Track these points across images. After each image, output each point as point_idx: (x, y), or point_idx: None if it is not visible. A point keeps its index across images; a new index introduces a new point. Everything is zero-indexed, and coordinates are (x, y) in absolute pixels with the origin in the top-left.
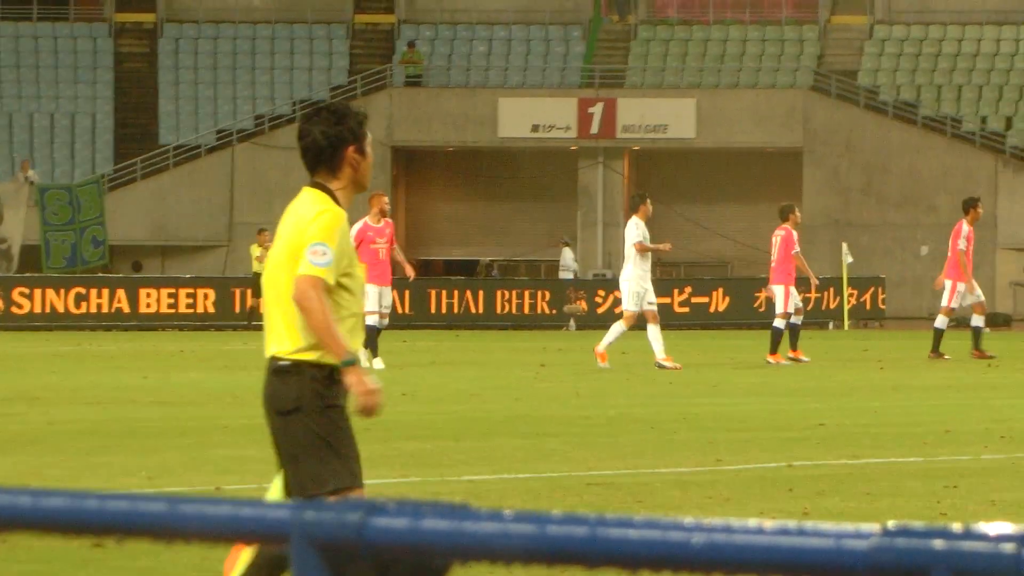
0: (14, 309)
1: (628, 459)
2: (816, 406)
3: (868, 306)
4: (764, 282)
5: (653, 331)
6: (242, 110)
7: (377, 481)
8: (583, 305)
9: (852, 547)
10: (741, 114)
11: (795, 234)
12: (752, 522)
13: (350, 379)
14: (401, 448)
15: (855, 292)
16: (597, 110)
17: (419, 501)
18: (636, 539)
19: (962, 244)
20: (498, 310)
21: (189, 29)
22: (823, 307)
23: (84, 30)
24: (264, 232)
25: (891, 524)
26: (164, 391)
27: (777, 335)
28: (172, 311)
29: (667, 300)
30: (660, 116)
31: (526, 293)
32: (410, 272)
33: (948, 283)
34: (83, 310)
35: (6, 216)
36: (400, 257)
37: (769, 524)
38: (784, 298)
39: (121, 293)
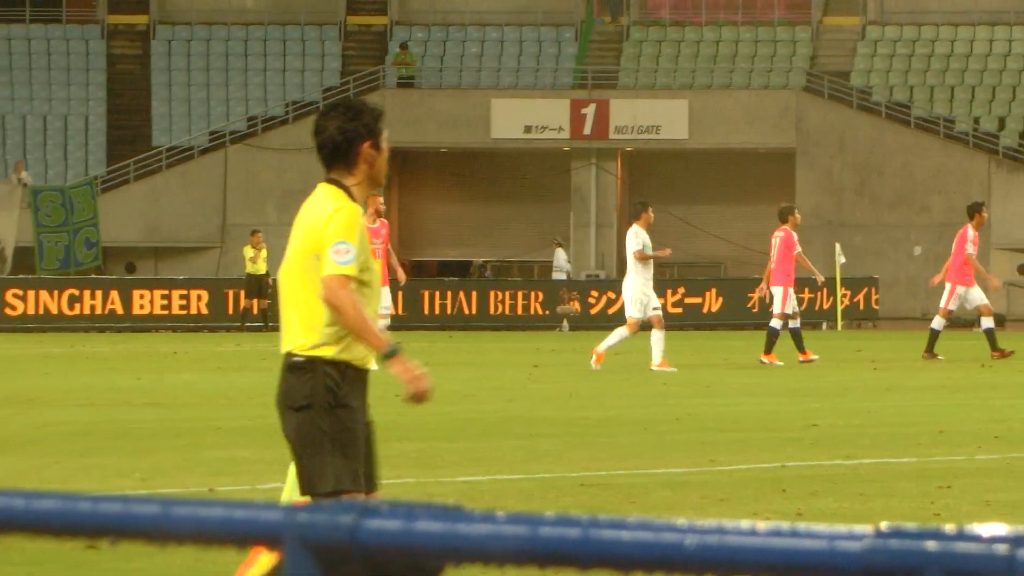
0: (7, 311)
1: (622, 460)
2: (810, 406)
3: (861, 306)
4: (757, 283)
5: (657, 336)
6: (235, 112)
7: None
8: (576, 306)
9: (845, 548)
10: (734, 115)
11: (795, 235)
12: (745, 523)
13: (395, 368)
14: (395, 449)
15: (848, 292)
16: (590, 111)
17: (412, 503)
18: (629, 540)
19: (970, 248)
20: (491, 311)
21: (182, 31)
22: (816, 307)
23: (77, 32)
24: (257, 233)
25: (884, 525)
26: (157, 392)
27: (773, 335)
28: (165, 312)
29: (660, 301)
30: (653, 117)
31: (519, 294)
32: (401, 276)
33: (948, 286)
34: (76, 311)
35: None
36: (393, 260)
37: (762, 525)
38: (783, 299)
39: (114, 294)
